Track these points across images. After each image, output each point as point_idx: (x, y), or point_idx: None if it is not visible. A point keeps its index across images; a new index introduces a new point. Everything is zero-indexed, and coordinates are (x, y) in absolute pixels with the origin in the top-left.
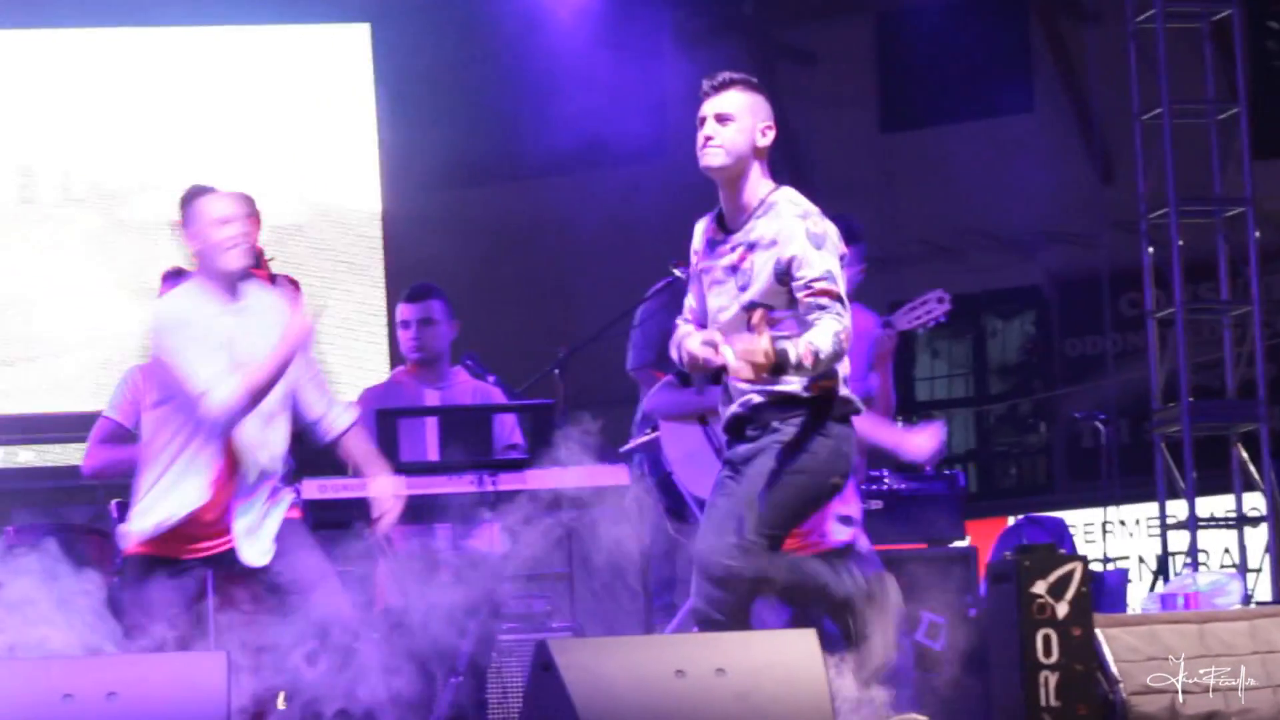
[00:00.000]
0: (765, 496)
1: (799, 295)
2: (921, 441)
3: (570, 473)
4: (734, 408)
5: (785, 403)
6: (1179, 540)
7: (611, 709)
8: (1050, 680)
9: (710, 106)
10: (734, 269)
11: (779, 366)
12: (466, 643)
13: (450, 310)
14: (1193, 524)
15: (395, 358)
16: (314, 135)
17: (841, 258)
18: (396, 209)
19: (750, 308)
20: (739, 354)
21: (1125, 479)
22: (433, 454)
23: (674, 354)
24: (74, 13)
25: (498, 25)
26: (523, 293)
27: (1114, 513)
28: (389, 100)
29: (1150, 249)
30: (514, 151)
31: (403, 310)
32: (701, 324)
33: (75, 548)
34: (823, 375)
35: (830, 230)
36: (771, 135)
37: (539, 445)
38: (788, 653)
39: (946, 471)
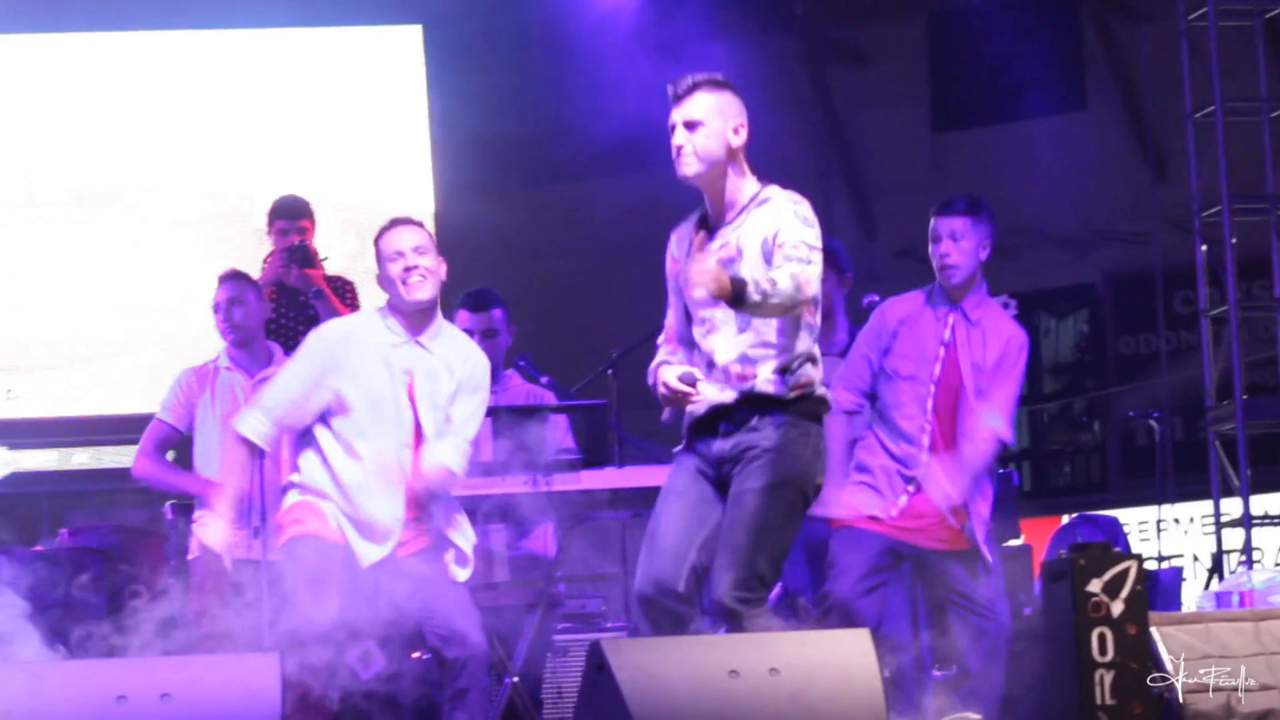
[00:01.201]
0: (766, 525)
1: (778, 260)
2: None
3: (624, 473)
4: (703, 408)
5: (761, 402)
6: (1234, 538)
7: (665, 709)
8: (1105, 679)
9: (678, 113)
10: (729, 262)
11: (738, 292)
12: (522, 643)
13: (508, 316)
14: (1247, 522)
15: None
16: (366, 137)
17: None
18: (449, 209)
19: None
20: (692, 274)
21: (1179, 477)
22: (486, 456)
23: (649, 380)
24: (125, 16)
25: (549, 26)
26: (575, 291)
27: (1168, 511)
28: (441, 101)
29: (1203, 247)
30: (565, 150)
31: (463, 319)
32: (680, 341)
33: (130, 549)
34: (801, 376)
35: (815, 221)
36: (744, 134)
37: (592, 446)
38: (841, 652)
39: (1001, 470)
